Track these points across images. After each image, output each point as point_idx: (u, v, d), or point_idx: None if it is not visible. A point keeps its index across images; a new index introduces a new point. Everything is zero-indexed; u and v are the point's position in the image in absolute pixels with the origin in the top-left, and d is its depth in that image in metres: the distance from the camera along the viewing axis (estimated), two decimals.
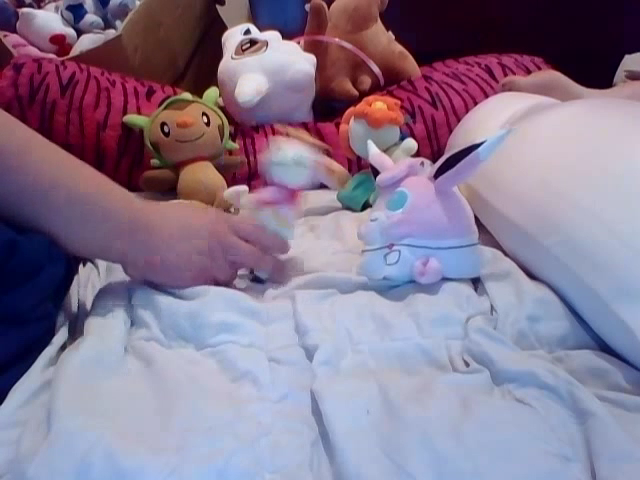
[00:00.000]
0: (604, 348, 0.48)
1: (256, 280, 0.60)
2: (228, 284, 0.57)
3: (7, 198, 0.46)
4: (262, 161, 0.58)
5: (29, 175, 0.47)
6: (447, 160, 0.55)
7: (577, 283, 0.49)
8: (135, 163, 0.92)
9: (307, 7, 1.08)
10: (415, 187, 0.57)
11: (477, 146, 0.51)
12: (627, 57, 1.07)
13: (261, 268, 0.59)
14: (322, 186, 0.88)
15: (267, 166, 0.58)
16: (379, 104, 0.81)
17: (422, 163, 0.61)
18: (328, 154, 0.69)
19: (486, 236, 0.63)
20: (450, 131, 0.95)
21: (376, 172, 0.63)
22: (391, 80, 1.10)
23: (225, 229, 0.56)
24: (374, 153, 0.66)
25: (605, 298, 0.45)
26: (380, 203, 0.59)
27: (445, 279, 0.54)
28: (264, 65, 0.95)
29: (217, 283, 0.55)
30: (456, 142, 0.86)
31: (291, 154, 0.56)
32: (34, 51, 1.19)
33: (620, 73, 1.05)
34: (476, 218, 0.60)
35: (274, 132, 0.98)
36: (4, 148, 0.45)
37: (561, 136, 0.59)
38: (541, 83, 0.87)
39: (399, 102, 0.86)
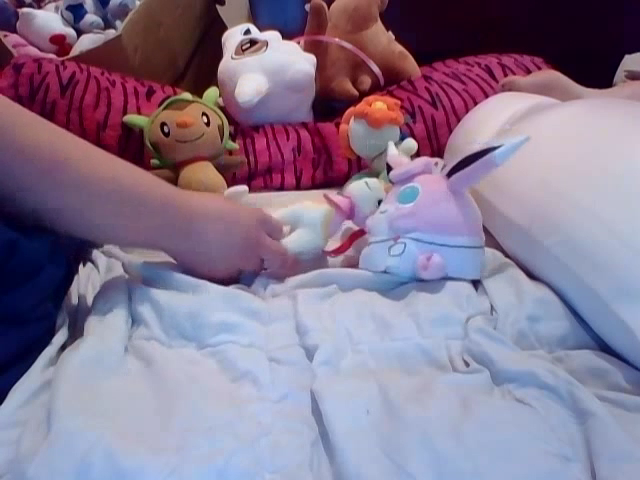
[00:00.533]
0: (604, 348, 0.48)
1: None
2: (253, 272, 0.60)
3: (42, 210, 0.47)
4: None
5: (66, 189, 0.47)
6: (462, 161, 0.55)
7: (577, 283, 0.49)
8: (135, 163, 0.89)
9: (307, 7, 1.08)
10: (427, 183, 0.57)
11: (493, 149, 0.51)
12: (627, 57, 1.06)
13: (278, 270, 0.61)
14: (322, 186, 0.88)
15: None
16: (379, 104, 0.81)
17: (436, 163, 0.62)
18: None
19: (486, 236, 0.63)
20: (450, 131, 0.95)
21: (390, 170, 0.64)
22: (391, 80, 1.10)
23: (259, 227, 0.59)
24: (393, 154, 0.68)
25: (605, 298, 0.45)
26: (391, 197, 0.59)
27: (445, 279, 0.54)
28: (264, 65, 0.95)
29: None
30: (456, 142, 0.86)
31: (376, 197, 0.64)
32: (34, 51, 1.19)
33: (620, 73, 1.05)
34: None
35: (274, 132, 0.98)
36: (38, 162, 0.46)
37: (561, 136, 0.59)
38: (541, 83, 0.87)
39: (399, 102, 0.86)
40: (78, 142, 0.50)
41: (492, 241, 0.64)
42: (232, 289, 0.54)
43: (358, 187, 0.66)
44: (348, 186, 0.69)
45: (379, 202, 0.63)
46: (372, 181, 0.67)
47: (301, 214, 0.65)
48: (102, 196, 0.49)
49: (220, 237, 0.55)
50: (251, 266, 0.59)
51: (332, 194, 0.67)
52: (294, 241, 0.63)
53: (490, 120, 0.77)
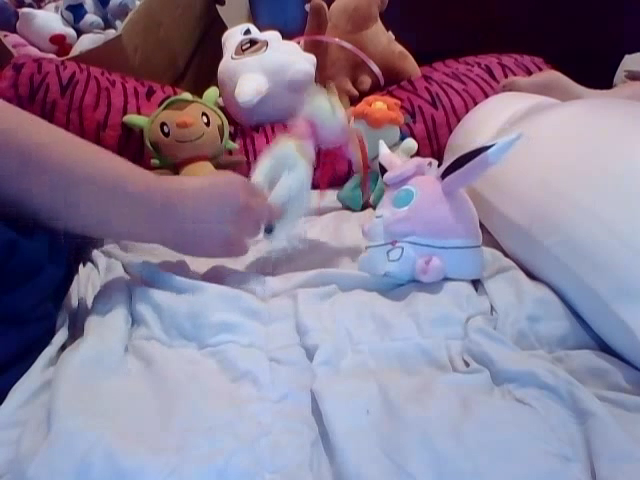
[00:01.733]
0: (604, 348, 0.48)
1: (266, 231, 0.62)
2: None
3: (29, 194, 0.46)
4: (305, 100, 0.63)
5: (52, 172, 0.46)
6: (456, 161, 0.55)
7: (577, 283, 0.49)
8: (135, 163, 0.91)
9: (307, 7, 1.08)
10: (422, 186, 0.57)
11: (487, 148, 0.51)
12: (627, 57, 1.06)
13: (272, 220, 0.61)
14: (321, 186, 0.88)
15: (309, 104, 0.63)
16: (379, 104, 0.81)
17: (430, 163, 0.62)
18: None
19: (486, 236, 0.63)
20: (450, 131, 0.95)
21: (384, 171, 0.63)
22: (391, 80, 1.10)
23: (244, 192, 0.57)
24: (385, 153, 0.66)
25: (605, 298, 0.45)
26: (386, 201, 0.59)
27: (445, 279, 0.54)
28: (264, 65, 0.95)
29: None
30: (456, 142, 0.86)
31: (337, 107, 0.63)
32: (34, 51, 1.19)
33: (620, 73, 1.05)
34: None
35: (274, 132, 0.98)
36: (25, 146, 0.45)
37: (561, 136, 0.59)
38: (541, 83, 0.87)
39: (399, 102, 0.87)
40: (57, 131, 0.49)
41: (492, 241, 0.64)
42: (232, 289, 0.54)
43: (316, 106, 0.64)
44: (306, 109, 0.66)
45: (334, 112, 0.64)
46: (330, 98, 0.65)
47: (275, 164, 0.63)
48: (83, 183, 0.48)
49: (204, 213, 0.54)
50: (247, 233, 0.59)
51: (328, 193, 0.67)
52: (282, 189, 0.61)
53: (490, 120, 0.77)
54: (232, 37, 1.05)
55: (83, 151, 0.50)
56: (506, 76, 1.02)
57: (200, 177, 0.61)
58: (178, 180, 0.57)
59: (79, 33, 1.27)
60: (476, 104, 0.97)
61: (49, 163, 0.46)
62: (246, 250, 0.59)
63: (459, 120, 0.95)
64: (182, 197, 0.53)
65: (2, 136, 0.44)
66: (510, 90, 0.91)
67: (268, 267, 0.64)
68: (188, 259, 0.60)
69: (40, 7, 1.34)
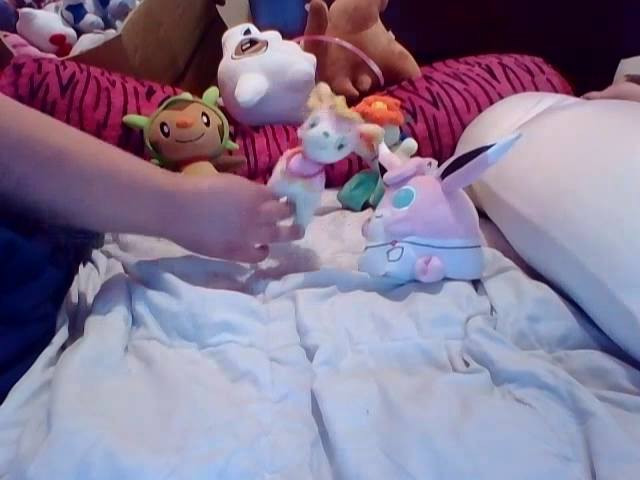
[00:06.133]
0: (604, 348, 0.48)
1: None
2: (272, 241, 0.60)
3: (46, 193, 0.47)
4: (301, 134, 0.57)
5: (69, 170, 0.47)
6: (455, 161, 0.55)
7: (582, 272, 0.49)
8: None
9: (307, 7, 1.07)
10: (422, 186, 0.57)
11: (486, 148, 0.51)
12: (623, 61, 1.06)
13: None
14: None
15: (306, 141, 0.57)
16: (379, 104, 0.81)
17: (430, 163, 0.62)
18: None
19: (486, 236, 0.63)
20: (452, 131, 0.95)
21: (384, 171, 0.63)
22: (391, 80, 1.10)
23: (257, 196, 0.58)
24: (384, 153, 0.66)
25: (609, 286, 0.46)
26: (386, 201, 0.59)
27: (445, 279, 0.54)
28: (264, 65, 0.95)
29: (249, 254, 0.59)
30: (467, 140, 0.86)
31: (335, 138, 0.54)
32: (34, 51, 1.19)
33: (620, 78, 1.04)
34: (483, 213, 0.60)
35: (274, 132, 0.98)
36: (39, 154, 0.46)
37: (563, 137, 0.60)
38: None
39: (399, 102, 0.86)
40: (73, 132, 0.50)
41: (492, 241, 0.64)
42: (231, 290, 0.54)
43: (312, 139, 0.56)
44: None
45: (340, 146, 0.56)
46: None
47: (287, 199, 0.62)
48: (98, 183, 0.48)
49: (216, 215, 0.55)
50: (256, 238, 0.59)
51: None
52: (297, 220, 0.62)
53: (508, 116, 0.77)
54: (232, 37, 1.05)
55: (98, 151, 0.50)
56: (507, 76, 1.02)
57: (212, 178, 0.61)
58: (192, 181, 0.57)
59: (79, 33, 1.27)
60: (477, 103, 0.97)
61: (67, 161, 0.47)
62: (257, 256, 0.60)
63: (460, 120, 0.95)
64: (194, 203, 0.54)
65: (20, 136, 0.44)
66: None
67: (268, 267, 0.64)
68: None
69: (40, 7, 1.34)
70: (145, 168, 0.53)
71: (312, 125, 0.55)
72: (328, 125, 0.54)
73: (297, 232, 0.62)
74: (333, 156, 0.57)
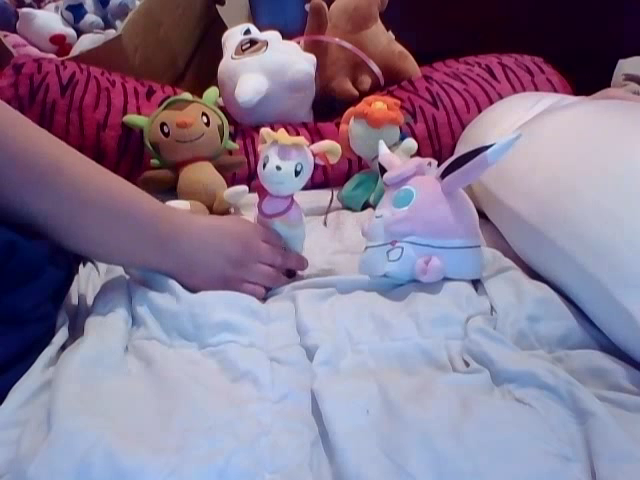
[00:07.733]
0: (604, 348, 0.48)
1: (287, 275, 0.62)
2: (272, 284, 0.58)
3: (41, 213, 0.47)
4: (259, 174, 0.57)
5: (63, 193, 0.47)
6: (455, 161, 0.55)
7: (581, 273, 0.49)
8: (135, 163, 0.91)
9: (307, 7, 1.07)
10: (422, 186, 0.57)
11: (486, 148, 0.51)
12: (621, 62, 1.06)
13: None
14: (322, 186, 0.88)
15: (265, 181, 0.57)
16: (379, 104, 0.81)
17: (429, 163, 0.62)
18: None
19: (486, 236, 0.63)
20: (451, 131, 0.95)
21: (384, 171, 0.63)
22: (391, 80, 1.10)
23: (255, 235, 0.58)
24: (384, 153, 0.66)
25: (608, 286, 0.46)
26: (386, 201, 0.59)
27: (445, 279, 0.54)
28: (264, 65, 0.95)
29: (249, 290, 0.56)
30: (467, 140, 0.86)
31: (288, 169, 0.55)
32: (34, 51, 1.19)
33: (618, 77, 1.04)
34: (483, 213, 0.60)
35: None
36: (36, 166, 0.46)
37: (563, 137, 0.60)
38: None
39: (399, 102, 0.86)
40: (72, 151, 0.50)
41: (492, 240, 0.64)
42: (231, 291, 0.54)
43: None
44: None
45: (297, 173, 0.55)
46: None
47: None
48: (93, 204, 0.49)
49: (211, 245, 0.55)
50: (258, 276, 0.57)
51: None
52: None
53: (508, 116, 0.77)
54: (232, 37, 1.05)
55: (95, 173, 0.51)
56: (506, 76, 1.02)
57: (211, 217, 0.62)
58: (187, 215, 0.57)
59: (79, 33, 1.27)
60: (477, 103, 0.97)
61: (62, 184, 0.47)
62: (252, 291, 0.56)
63: (460, 120, 0.95)
64: (187, 232, 0.54)
65: (18, 148, 0.45)
66: None
67: None
68: None
69: (40, 7, 1.34)
70: (139, 194, 0.53)
71: (264, 165, 0.56)
72: (277, 159, 0.55)
73: (301, 263, 0.62)
74: (294, 185, 0.57)
